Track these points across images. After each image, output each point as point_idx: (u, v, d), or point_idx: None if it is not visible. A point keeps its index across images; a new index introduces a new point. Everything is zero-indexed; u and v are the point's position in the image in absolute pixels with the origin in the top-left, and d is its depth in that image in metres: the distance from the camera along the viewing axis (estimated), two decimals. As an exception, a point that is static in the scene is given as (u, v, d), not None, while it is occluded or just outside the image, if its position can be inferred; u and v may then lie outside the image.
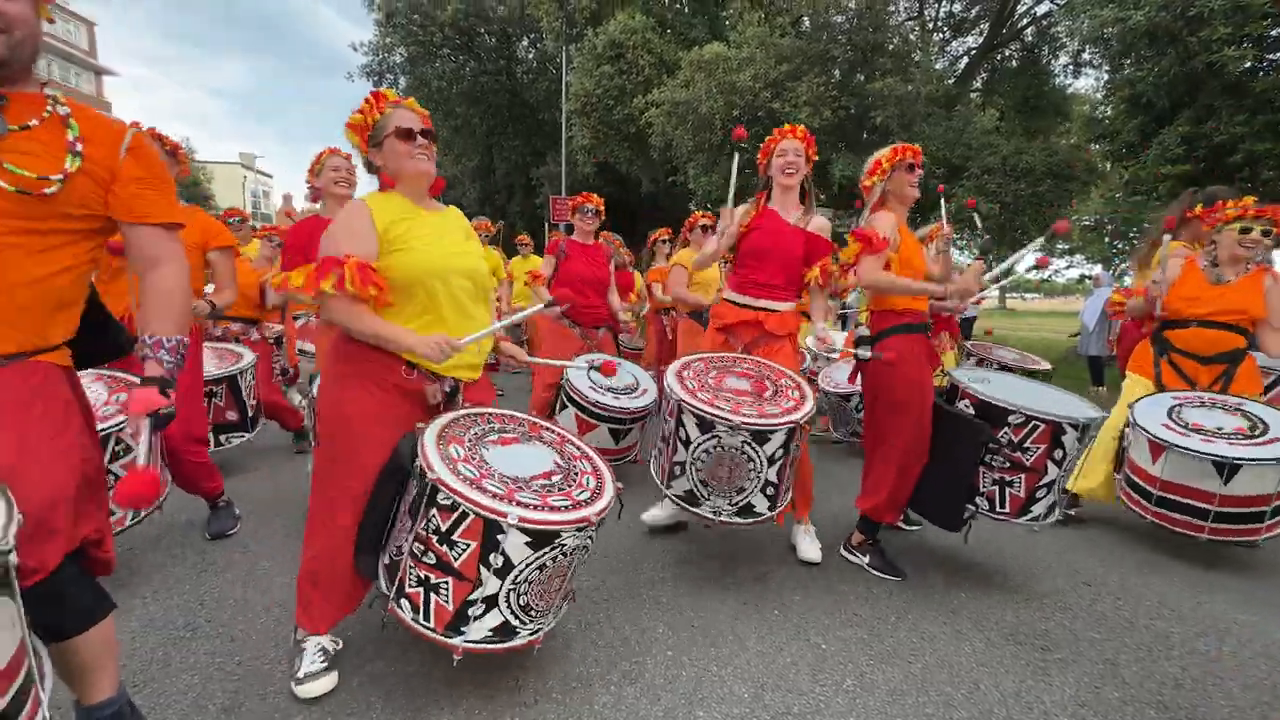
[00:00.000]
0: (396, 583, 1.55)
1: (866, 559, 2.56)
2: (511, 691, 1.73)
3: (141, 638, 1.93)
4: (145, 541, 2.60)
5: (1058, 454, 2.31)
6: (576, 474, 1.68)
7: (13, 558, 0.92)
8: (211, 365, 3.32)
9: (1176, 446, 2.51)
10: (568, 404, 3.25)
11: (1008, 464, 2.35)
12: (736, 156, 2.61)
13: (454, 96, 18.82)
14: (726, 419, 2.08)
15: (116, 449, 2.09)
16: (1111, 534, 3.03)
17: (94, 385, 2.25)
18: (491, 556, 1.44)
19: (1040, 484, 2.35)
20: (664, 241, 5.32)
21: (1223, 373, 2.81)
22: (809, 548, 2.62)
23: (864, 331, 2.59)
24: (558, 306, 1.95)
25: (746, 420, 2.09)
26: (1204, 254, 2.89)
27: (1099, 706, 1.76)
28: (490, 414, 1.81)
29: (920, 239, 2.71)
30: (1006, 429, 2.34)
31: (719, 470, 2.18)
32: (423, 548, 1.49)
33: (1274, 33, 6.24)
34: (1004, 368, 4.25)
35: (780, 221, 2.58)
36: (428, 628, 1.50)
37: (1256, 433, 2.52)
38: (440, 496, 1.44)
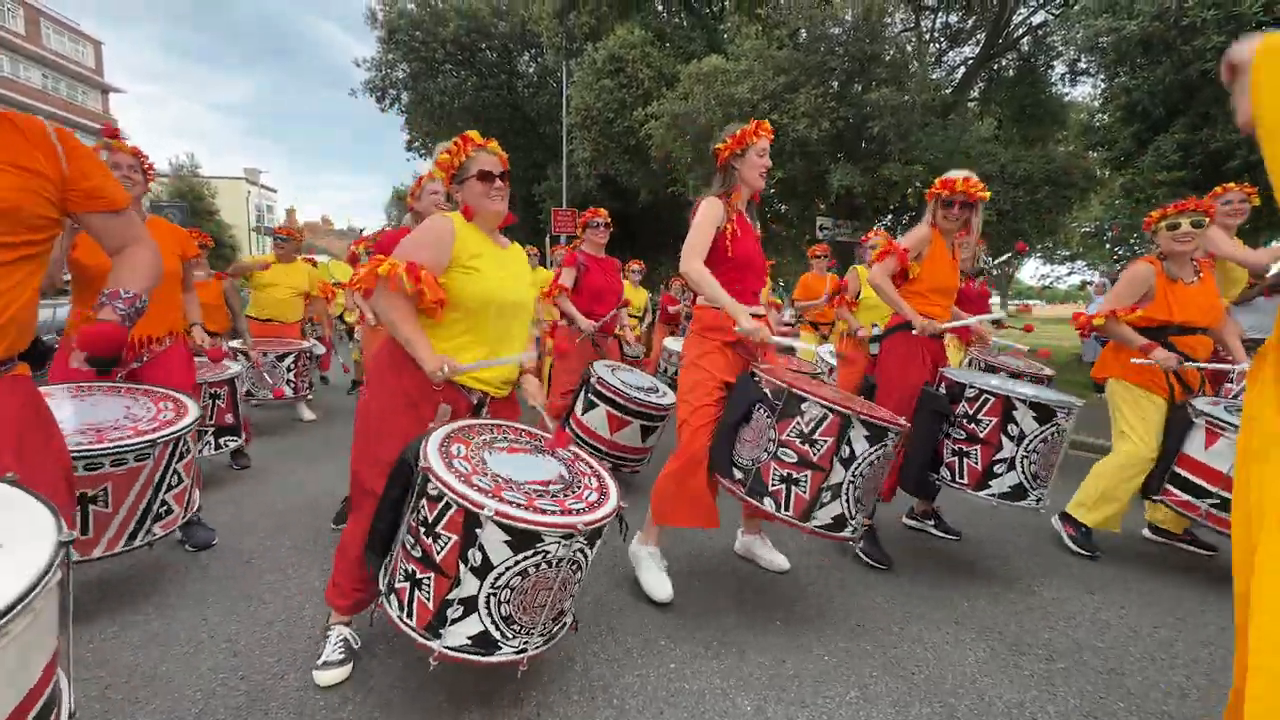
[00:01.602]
0: (388, 577, 1.58)
1: (860, 543, 2.59)
2: (514, 703, 1.73)
3: (145, 653, 1.93)
4: (148, 557, 2.61)
5: (1012, 429, 2.43)
6: (578, 488, 1.65)
7: (72, 550, 0.92)
8: (209, 372, 3.42)
9: None
10: (598, 402, 3.27)
11: (964, 435, 2.53)
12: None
13: (456, 111, 18.95)
14: (900, 424, 2.06)
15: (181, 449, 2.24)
16: (1114, 542, 3.02)
17: (138, 400, 2.35)
18: (470, 552, 1.41)
19: (996, 458, 2.47)
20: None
21: (1201, 379, 2.82)
22: (775, 556, 2.66)
23: (876, 331, 2.88)
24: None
25: (906, 422, 2.11)
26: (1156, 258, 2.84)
27: (1104, 718, 1.75)
28: (508, 426, 1.84)
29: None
30: (963, 402, 2.54)
31: (874, 482, 2.11)
32: (412, 540, 1.51)
33: (1268, 41, 6.30)
34: (1013, 376, 4.19)
35: (749, 226, 2.39)
36: (410, 625, 1.49)
37: None
38: (429, 486, 1.46)
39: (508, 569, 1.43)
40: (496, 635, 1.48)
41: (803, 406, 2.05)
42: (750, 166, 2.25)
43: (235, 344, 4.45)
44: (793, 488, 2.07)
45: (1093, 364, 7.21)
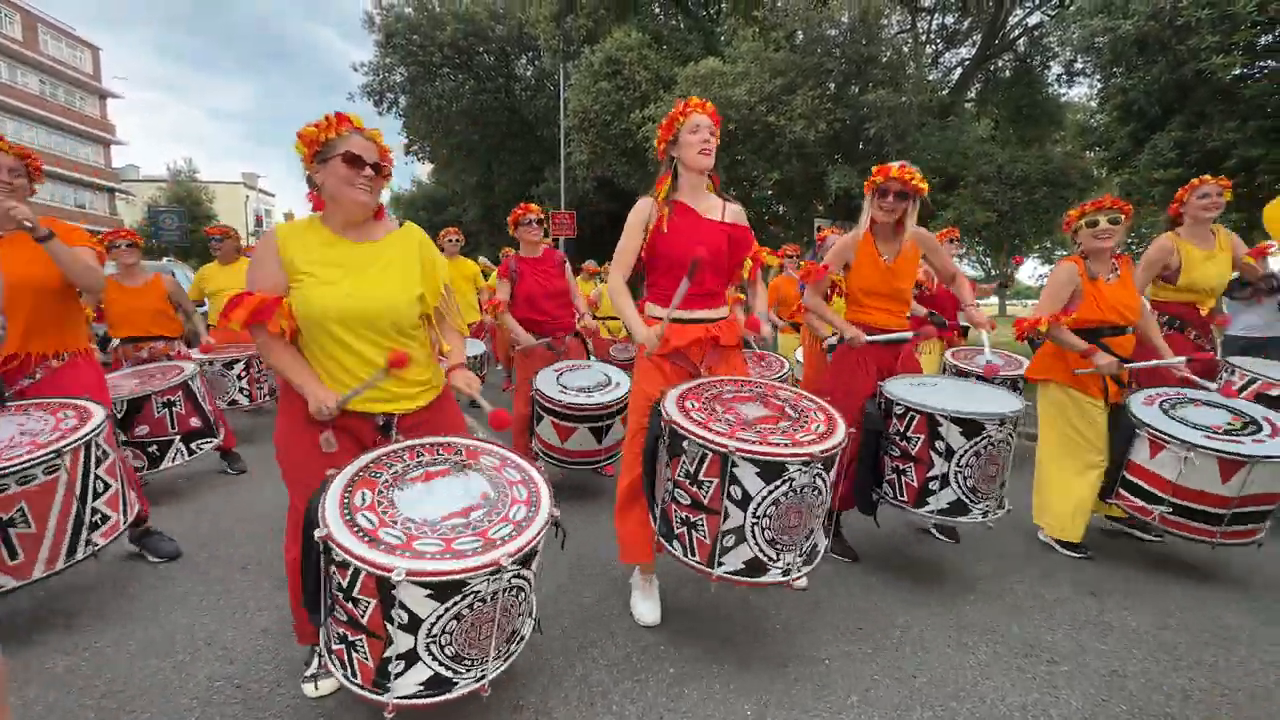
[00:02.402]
0: (325, 640, 1.47)
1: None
2: (514, 710, 1.72)
3: (140, 661, 1.92)
4: (145, 565, 2.60)
5: (939, 445, 2.37)
6: (506, 504, 1.50)
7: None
8: (162, 378, 3.31)
9: (1266, 458, 2.31)
10: (543, 414, 3.22)
11: (899, 453, 2.49)
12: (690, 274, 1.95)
13: (453, 115, 19.01)
14: (802, 455, 1.70)
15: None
16: (1115, 543, 3.01)
17: (30, 414, 2.19)
18: (393, 613, 1.30)
19: (930, 475, 2.41)
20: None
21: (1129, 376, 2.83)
22: None
23: (831, 341, 2.86)
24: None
25: (823, 450, 1.72)
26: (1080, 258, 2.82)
27: (1106, 720, 1.74)
28: (422, 446, 1.65)
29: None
30: (895, 420, 2.49)
31: (790, 519, 1.77)
32: (333, 604, 1.40)
33: (1262, 40, 6.32)
34: (980, 379, 4.08)
35: (698, 217, 2.16)
36: (356, 684, 1.39)
37: (1248, 423, 2.50)
38: (334, 553, 1.33)
39: (439, 618, 1.33)
40: (449, 674, 1.40)
41: (684, 445, 1.83)
42: (686, 147, 2.10)
43: (191, 352, 4.16)
44: (693, 531, 1.87)
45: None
